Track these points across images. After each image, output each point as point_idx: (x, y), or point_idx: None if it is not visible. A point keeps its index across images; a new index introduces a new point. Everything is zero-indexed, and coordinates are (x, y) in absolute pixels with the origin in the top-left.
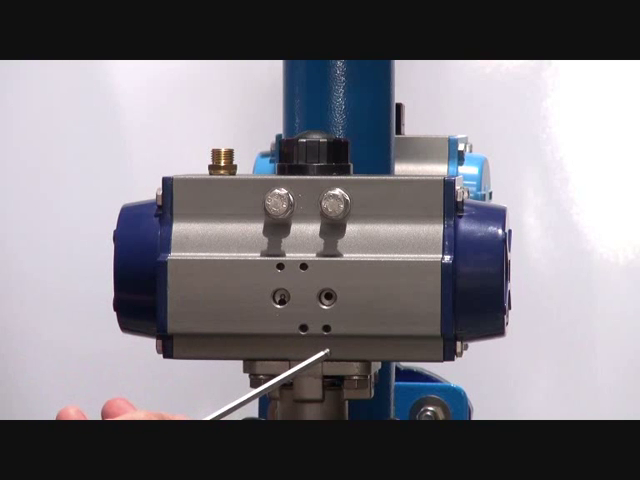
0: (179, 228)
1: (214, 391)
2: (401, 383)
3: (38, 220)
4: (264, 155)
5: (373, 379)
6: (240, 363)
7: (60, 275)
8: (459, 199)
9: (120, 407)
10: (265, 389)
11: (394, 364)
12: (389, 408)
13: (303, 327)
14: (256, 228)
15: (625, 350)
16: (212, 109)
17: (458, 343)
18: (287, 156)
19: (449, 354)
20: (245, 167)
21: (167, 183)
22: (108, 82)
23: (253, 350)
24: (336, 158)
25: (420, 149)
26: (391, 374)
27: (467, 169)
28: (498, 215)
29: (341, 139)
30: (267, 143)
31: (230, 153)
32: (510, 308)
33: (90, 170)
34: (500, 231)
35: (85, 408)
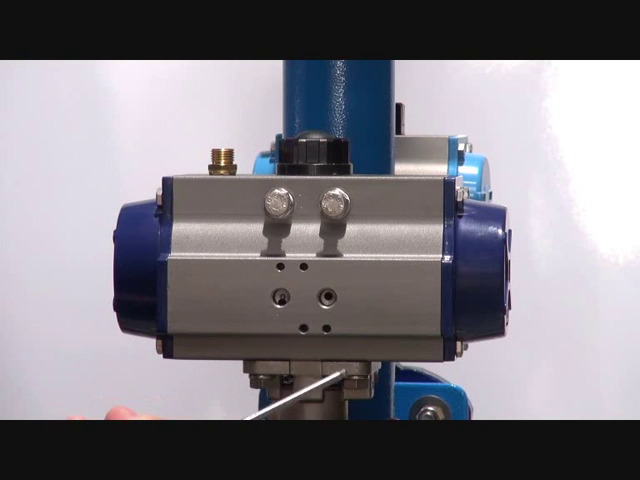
0: (179, 228)
1: (218, 391)
2: (401, 383)
3: (37, 220)
4: (264, 155)
5: (373, 379)
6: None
7: (60, 275)
8: (459, 199)
9: (124, 417)
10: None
11: (394, 364)
12: (389, 408)
13: (303, 327)
14: (256, 228)
15: (626, 350)
16: (212, 109)
17: (458, 343)
18: (287, 156)
19: (449, 354)
20: (245, 167)
21: (167, 183)
22: (107, 82)
23: (253, 350)
24: (336, 158)
25: (420, 149)
26: (391, 374)
27: (467, 169)
28: (498, 215)
29: (341, 139)
30: (267, 143)
31: (230, 153)
32: (510, 308)
33: (90, 170)
34: (500, 231)
35: (86, 409)
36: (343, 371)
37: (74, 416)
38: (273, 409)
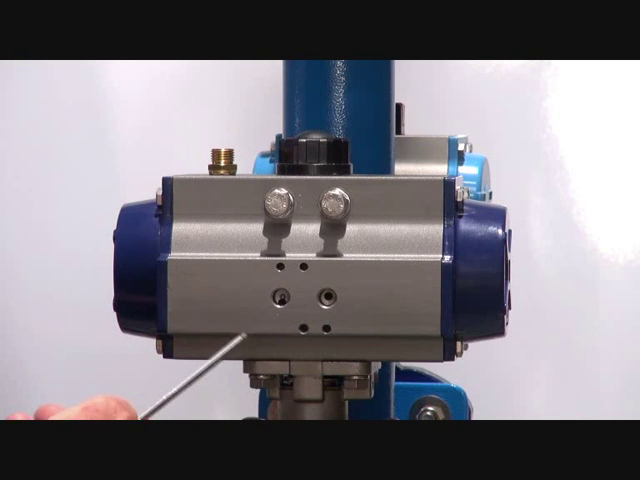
0: (179, 228)
1: (219, 391)
2: (401, 383)
3: (38, 220)
4: (264, 155)
5: (373, 379)
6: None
7: (60, 276)
8: (459, 199)
9: (52, 413)
10: (188, 383)
11: (394, 364)
12: (389, 408)
13: (303, 327)
14: (256, 228)
15: (626, 349)
16: (212, 109)
17: (458, 343)
18: (287, 156)
19: (449, 354)
20: (245, 167)
21: (167, 183)
22: (107, 82)
23: (253, 350)
24: (336, 158)
25: (420, 149)
26: (391, 374)
27: (467, 169)
28: (498, 215)
29: (341, 139)
30: (267, 143)
31: (230, 153)
32: (510, 308)
33: (90, 170)
34: (500, 231)
35: None
36: (244, 335)
37: (15, 415)
38: (173, 394)
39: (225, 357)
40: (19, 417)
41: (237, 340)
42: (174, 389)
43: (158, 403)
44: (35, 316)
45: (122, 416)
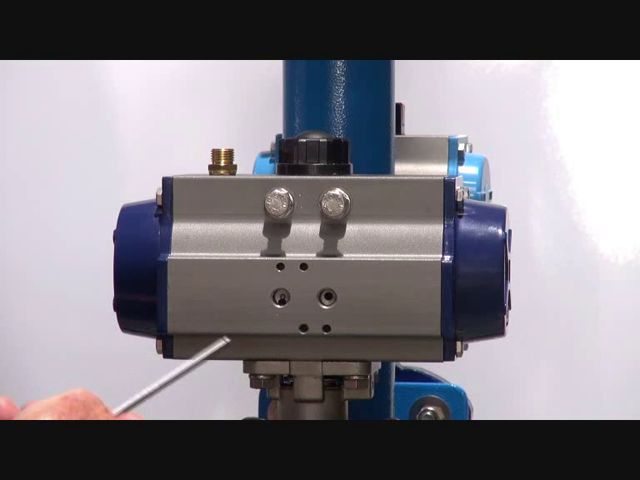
0: (179, 228)
1: (220, 391)
2: (401, 383)
3: (38, 220)
4: (264, 155)
5: (373, 379)
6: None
7: (61, 275)
8: (459, 199)
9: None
10: (169, 380)
11: (394, 364)
12: (389, 408)
13: (303, 327)
14: (256, 228)
15: (626, 350)
16: (212, 109)
17: (458, 343)
18: (287, 156)
19: (449, 354)
20: (245, 167)
21: (167, 183)
22: (107, 82)
23: (253, 350)
24: (336, 158)
25: (420, 149)
26: (391, 374)
27: (467, 169)
28: (498, 215)
29: (341, 139)
30: (267, 143)
31: (230, 153)
32: (510, 308)
33: (90, 170)
34: (500, 231)
35: None
36: (227, 339)
37: None
38: (149, 393)
39: (226, 357)
40: (2, 402)
41: (219, 344)
42: (149, 389)
43: (132, 401)
44: (35, 316)
45: (100, 409)
